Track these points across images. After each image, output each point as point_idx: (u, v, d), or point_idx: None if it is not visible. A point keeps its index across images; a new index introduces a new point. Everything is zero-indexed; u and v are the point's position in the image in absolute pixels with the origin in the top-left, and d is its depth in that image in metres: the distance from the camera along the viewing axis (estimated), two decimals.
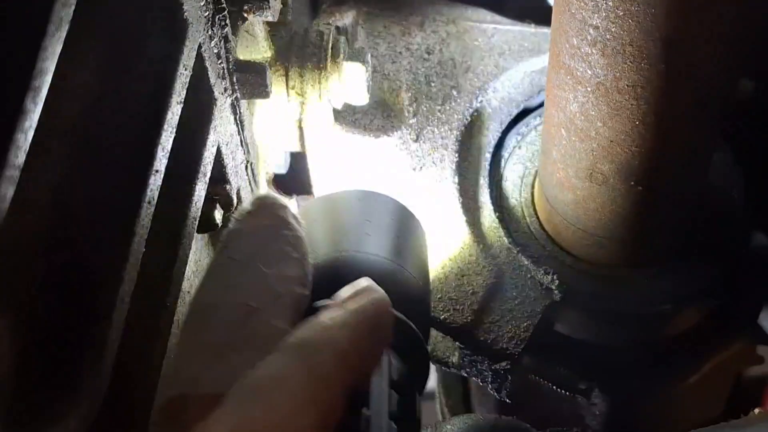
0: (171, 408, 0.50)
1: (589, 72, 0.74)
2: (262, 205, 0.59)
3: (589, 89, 0.76)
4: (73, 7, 0.47)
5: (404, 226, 0.67)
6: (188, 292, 0.67)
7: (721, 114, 0.80)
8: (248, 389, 0.46)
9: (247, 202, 0.65)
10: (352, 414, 0.49)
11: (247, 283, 0.54)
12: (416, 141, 1.06)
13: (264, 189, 0.92)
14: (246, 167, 0.84)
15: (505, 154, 1.05)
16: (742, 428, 0.62)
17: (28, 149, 0.43)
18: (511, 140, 1.05)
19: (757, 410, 0.71)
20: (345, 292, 0.54)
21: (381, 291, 0.54)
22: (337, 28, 0.95)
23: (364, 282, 0.54)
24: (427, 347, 0.62)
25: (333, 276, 0.58)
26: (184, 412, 0.48)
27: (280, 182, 1.03)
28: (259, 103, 0.91)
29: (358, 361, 0.50)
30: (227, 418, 0.44)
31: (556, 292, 0.92)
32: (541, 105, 1.06)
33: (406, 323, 0.58)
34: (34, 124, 0.43)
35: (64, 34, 0.46)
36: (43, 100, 0.44)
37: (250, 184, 0.86)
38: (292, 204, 0.72)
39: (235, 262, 0.55)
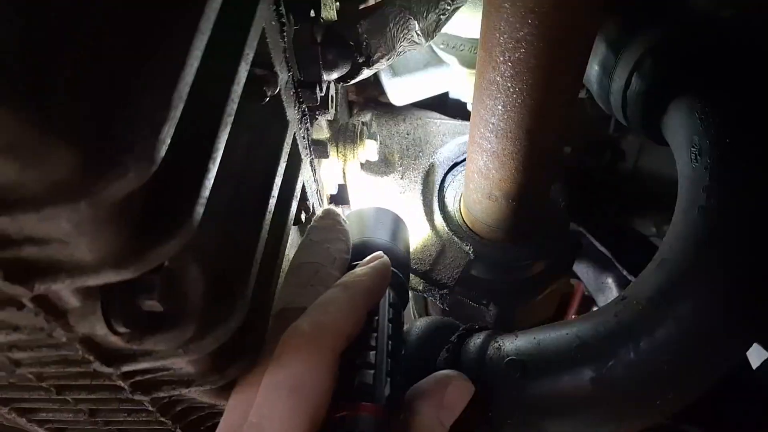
0: (278, 316, 0.53)
1: (489, 145, 0.77)
2: (327, 213, 0.62)
3: (488, 154, 0.78)
4: (233, 115, 0.48)
5: (397, 225, 0.69)
6: (287, 256, 0.66)
7: (557, 164, 0.82)
8: (318, 305, 0.49)
9: (319, 211, 0.66)
10: (369, 320, 0.51)
11: (318, 253, 0.57)
12: (401, 179, 1.08)
13: (326, 204, 0.90)
14: (317, 192, 0.84)
15: (446, 185, 1.08)
16: (567, 325, 0.63)
17: (210, 188, 0.44)
18: (448, 179, 1.08)
19: (573, 316, 0.73)
20: (367, 258, 0.57)
21: (386, 258, 0.56)
22: (363, 122, 0.98)
23: (378, 253, 0.57)
24: (408, 286, 0.64)
25: (361, 250, 0.61)
26: (285, 318, 0.51)
27: (333, 198, 1.05)
28: (323, 160, 0.92)
29: (374, 293, 0.52)
30: (308, 319, 0.47)
31: (471, 254, 0.97)
32: (464, 161, 1.07)
33: (397, 274, 0.60)
34: (213, 176, 0.44)
35: (229, 127, 0.47)
36: (218, 163, 0.45)
37: (319, 201, 0.86)
38: (340, 211, 0.77)
39: (313, 242, 0.58)
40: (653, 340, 0.55)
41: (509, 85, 0.64)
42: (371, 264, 0.55)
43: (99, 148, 0.32)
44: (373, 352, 0.49)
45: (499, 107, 0.68)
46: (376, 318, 0.53)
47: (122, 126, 0.33)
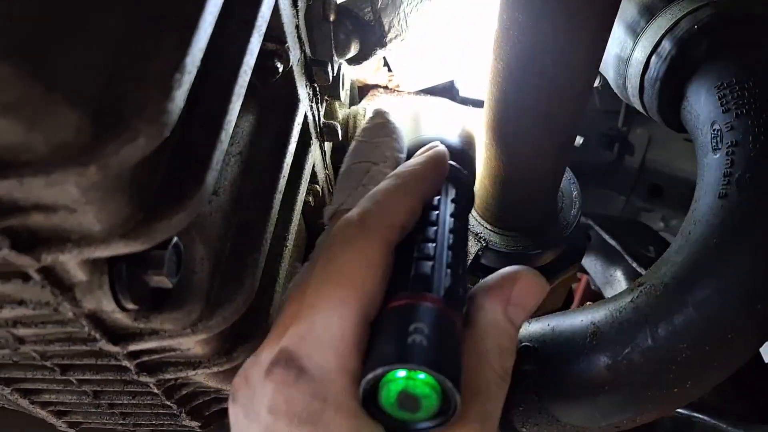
0: (331, 219, 0.49)
1: (501, 130, 0.73)
2: (377, 113, 0.58)
3: (501, 140, 0.75)
4: (245, 86, 0.46)
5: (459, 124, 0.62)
6: (295, 232, 0.66)
7: (569, 151, 0.79)
8: (368, 196, 0.45)
9: (369, 113, 0.61)
10: (428, 214, 0.47)
11: (368, 153, 0.53)
12: None
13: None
14: (327, 178, 0.85)
15: None
16: (581, 312, 0.62)
17: (221, 160, 0.43)
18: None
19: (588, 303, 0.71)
20: (421, 149, 0.52)
21: (442, 147, 0.51)
22: (373, 108, 0.97)
23: (433, 143, 0.52)
24: (473, 184, 0.57)
25: (416, 147, 0.54)
26: (338, 216, 0.47)
27: None
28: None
29: (428, 181, 0.48)
30: (357, 209, 0.43)
31: (483, 242, 0.94)
32: None
33: (459, 169, 0.53)
34: (225, 147, 0.43)
35: (241, 99, 0.45)
36: (230, 134, 0.44)
37: (329, 188, 0.87)
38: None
39: (363, 143, 0.55)
40: (672, 326, 0.54)
41: (527, 66, 0.63)
42: (424, 153, 0.51)
43: (108, 110, 0.31)
44: (432, 244, 0.44)
45: (514, 90, 0.67)
46: (437, 213, 0.48)
47: (133, 88, 0.32)
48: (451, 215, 0.48)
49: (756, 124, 0.59)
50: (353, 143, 0.56)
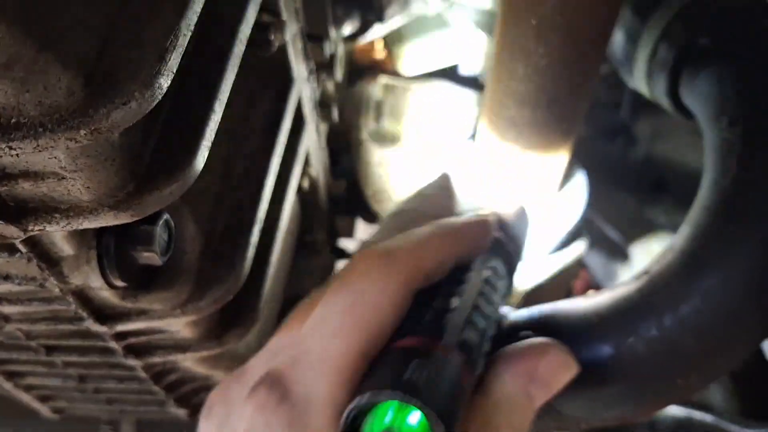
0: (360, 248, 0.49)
1: (507, 112, 0.74)
2: (444, 175, 0.58)
3: (505, 123, 0.77)
4: (240, 57, 0.46)
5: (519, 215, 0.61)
6: (288, 216, 0.67)
7: (575, 137, 0.82)
8: (402, 234, 0.44)
9: (438, 174, 0.60)
10: (459, 273, 0.46)
11: (423, 204, 0.53)
12: (409, 148, 1.01)
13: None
14: (321, 160, 0.83)
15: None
16: (583, 301, 0.60)
17: (215, 131, 0.42)
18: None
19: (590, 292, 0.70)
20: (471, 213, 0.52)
21: (492, 217, 0.51)
22: (370, 90, 0.97)
23: (487, 212, 0.52)
24: (516, 267, 0.56)
25: None
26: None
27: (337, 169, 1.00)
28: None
29: (467, 239, 0.47)
30: (384, 243, 0.42)
31: None
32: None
33: (505, 244, 0.53)
34: (218, 119, 0.43)
35: (236, 70, 0.45)
36: (223, 107, 0.43)
37: (324, 169, 0.86)
38: None
39: (420, 194, 0.55)
40: (678, 315, 0.54)
41: (532, 44, 0.63)
42: (474, 215, 0.50)
43: (99, 72, 0.30)
44: (456, 298, 0.43)
45: (520, 70, 0.67)
46: (469, 273, 0.47)
47: (127, 50, 0.32)
48: (485, 280, 0.47)
49: (766, 107, 0.59)
50: (413, 193, 0.56)
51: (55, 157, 0.32)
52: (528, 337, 0.61)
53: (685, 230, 0.59)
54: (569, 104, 0.69)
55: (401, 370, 0.35)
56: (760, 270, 0.54)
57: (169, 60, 0.32)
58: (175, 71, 0.33)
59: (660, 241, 1.36)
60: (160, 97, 0.32)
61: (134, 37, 0.32)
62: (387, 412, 0.35)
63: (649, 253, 1.31)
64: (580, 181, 0.99)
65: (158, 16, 0.33)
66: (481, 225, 0.49)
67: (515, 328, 0.60)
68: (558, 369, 0.45)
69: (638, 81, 0.79)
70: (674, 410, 0.88)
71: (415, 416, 0.35)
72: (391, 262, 0.41)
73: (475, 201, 0.61)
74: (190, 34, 0.35)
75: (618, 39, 0.79)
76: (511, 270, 0.54)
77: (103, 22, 0.32)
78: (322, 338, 0.38)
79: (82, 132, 0.30)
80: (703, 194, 0.60)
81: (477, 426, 0.39)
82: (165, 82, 0.32)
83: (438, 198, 0.54)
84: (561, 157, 0.80)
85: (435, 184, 0.56)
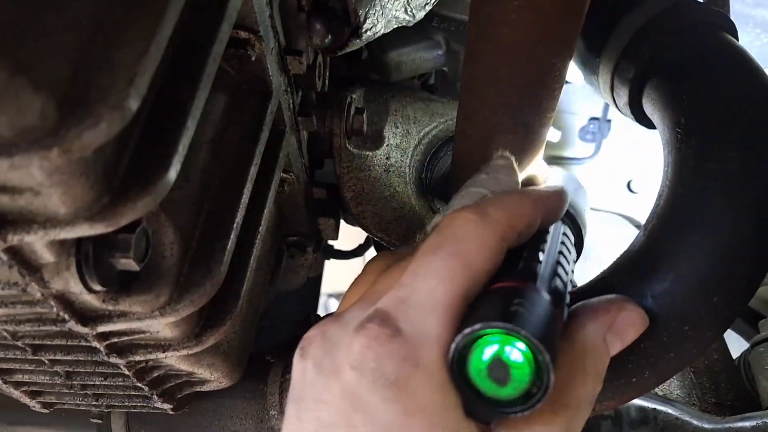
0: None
1: (477, 121, 0.77)
2: (502, 155, 0.59)
3: (477, 130, 0.78)
4: (213, 74, 0.46)
5: (578, 192, 0.67)
6: (268, 219, 0.67)
7: (544, 142, 0.86)
8: (491, 199, 0.46)
9: (497, 153, 0.61)
10: (540, 235, 0.48)
11: (489, 183, 0.53)
12: (389, 156, 1.03)
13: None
14: (303, 166, 0.86)
15: (435, 163, 1.07)
16: None
17: (188, 146, 0.43)
18: (437, 156, 1.07)
19: None
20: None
21: (566, 189, 0.52)
22: (351, 97, 0.98)
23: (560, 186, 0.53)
24: (583, 239, 0.61)
25: None
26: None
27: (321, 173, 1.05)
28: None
29: (550, 203, 0.49)
30: (479, 205, 0.43)
31: None
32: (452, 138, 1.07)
33: (575, 218, 0.59)
34: (191, 132, 0.43)
35: (209, 87, 0.46)
36: (197, 120, 0.44)
37: (305, 174, 0.88)
38: None
39: (483, 173, 0.55)
40: None
41: (498, 60, 0.64)
42: (551, 183, 0.55)
43: (71, 95, 0.31)
44: (542, 253, 0.45)
45: (486, 83, 0.68)
46: (549, 235, 0.49)
47: (98, 74, 0.33)
48: (561, 242, 0.50)
49: (720, 122, 0.61)
50: (475, 174, 0.56)
51: (31, 174, 0.33)
52: None
53: (640, 236, 0.61)
54: (534, 113, 0.70)
55: (506, 304, 0.36)
56: (708, 272, 0.55)
57: (139, 83, 0.33)
58: (145, 93, 0.34)
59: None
60: (129, 118, 0.33)
61: (105, 61, 0.33)
62: (491, 345, 0.36)
63: None
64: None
65: (129, 40, 0.34)
66: (560, 194, 0.50)
67: None
68: (632, 323, 0.47)
69: (603, 93, 0.80)
70: (638, 402, 0.90)
71: (517, 351, 0.35)
72: (487, 219, 0.41)
73: (531, 181, 0.64)
74: (160, 57, 0.36)
75: (582, 53, 0.80)
76: (579, 237, 0.58)
77: (76, 46, 0.33)
78: (429, 280, 0.38)
79: (54, 152, 0.31)
80: (658, 202, 0.62)
81: (565, 369, 0.40)
82: (134, 104, 0.33)
83: (501, 177, 0.55)
84: (530, 163, 0.81)
85: (496, 165, 0.57)
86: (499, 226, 0.42)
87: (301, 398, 0.40)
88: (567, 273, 0.47)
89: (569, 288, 0.47)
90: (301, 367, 0.40)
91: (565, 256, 0.49)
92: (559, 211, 0.51)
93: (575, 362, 0.42)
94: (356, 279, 0.50)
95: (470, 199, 0.51)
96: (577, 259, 0.57)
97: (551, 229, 0.51)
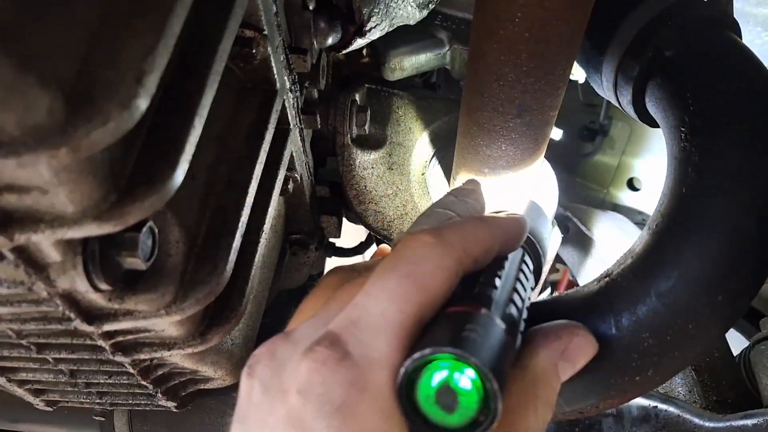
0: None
1: (480, 120, 0.75)
2: (471, 181, 0.59)
3: (479, 130, 0.76)
4: (220, 72, 0.46)
5: (540, 216, 0.65)
6: (272, 218, 0.67)
7: (546, 141, 0.82)
8: (450, 222, 0.46)
9: (464, 181, 0.62)
10: (498, 262, 0.48)
11: (454, 205, 0.54)
12: (391, 154, 1.04)
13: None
14: (306, 165, 0.85)
15: (436, 161, 1.07)
16: (548, 302, 0.61)
17: (195, 144, 0.43)
18: (439, 155, 1.08)
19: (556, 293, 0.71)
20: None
21: (525, 217, 0.52)
22: (354, 96, 0.98)
23: (518, 214, 0.53)
24: (541, 266, 0.59)
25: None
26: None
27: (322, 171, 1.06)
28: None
29: (509, 232, 0.48)
30: (437, 229, 0.42)
31: None
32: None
33: (536, 245, 0.57)
34: (199, 132, 0.43)
35: (216, 85, 0.46)
36: (204, 120, 0.44)
37: (308, 173, 0.87)
38: None
39: (451, 197, 0.55)
40: (635, 315, 0.55)
41: (502, 57, 0.64)
42: (511, 214, 0.52)
43: (79, 93, 0.31)
44: (498, 279, 0.44)
45: (492, 81, 0.68)
46: (507, 262, 0.49)
47: (106, 71, 0.32)
48: (520, 269, 0.50)
49: (724, 120, 0.60)
50: (443, 195, 0.57)
51: (39, 173, 0.33)
52: None
53: (644, 234, 0.60)
54: (538, 113, 0.69)
55: (458, 329, 0.36)
56: (713, 272, 0.55)
57: (147, 81, 0.33)
58: (154, 91, 0.34)
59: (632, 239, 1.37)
60: (138, 117, 0.33)
61: (113, 59, 0.33)
62: (440, 371, 0.35)
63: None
64: (551, 183, 1.00)
65: (137, 37, 0.34)
66: (519, 223, 0.50)
67: None
68: (583, 349, 0.48)
69: (607, 91, 0.80)
70: (639, 400, 0.90)
71: (466, 377, 0.35)
72: (444, 243, 0.41)
73: (497, 207, 0.62)
74: (169, 55, 0.35)
75: (587, 50, 0.80)
76: (538, 265, 0.56)
77: (83, 42, 0.32)
78: (382, 301, 0.38)
79: (63, 151, 0.31)
80: (662, 200, 0.61)
81: (516, 397, 0.40)
82: (143, 102, 0.33)
83: (468, 201, 0.55)
84: (533, 161, 0.81)
85: (464, 189, 0.57)
86: (455, 251, 0.41)
87: (245, 419, 0.39)
88: (523, 300, 0.47)
89: (525, 315, 0.47)
90: (248, 386, 0.40)
91: (522, 284, 0.48)
92: (517, 239, 0.50)
93: (527, 390, 0.42)
94: (311, 293, 0.48)
95: (435, 219, 0.51)
96: (535, 287, 0.56)
97: (510, 256, 0.50)
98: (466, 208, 0.53)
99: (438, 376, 0.35)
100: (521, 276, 0.49)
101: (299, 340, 0.38)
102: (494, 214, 0.50)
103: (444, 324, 0.38)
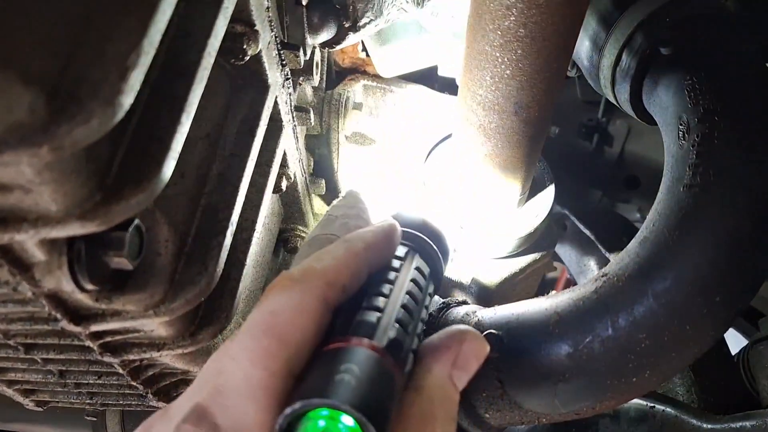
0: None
1: (475, 118, 0.74)
2: (349, 193, 0.58)
3: (474, 128, 0.75)
4: (209, 69, 0.46)
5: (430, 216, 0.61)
6: (266, 216, 0.67)
7: (542, 140, 0.81)
8: (314, 255, 0.44)
9: (344, 192, 0.61)
10: (384, 274, 0.46)
11: (335, 227, 0.53)
12: (387, 151, 1.03)
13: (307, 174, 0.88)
14: (300, 162, 0.84)
15: (432, 158, 1.01)
16: (546, 301, 0.62)
17: (183, 142, 0.42)
18: (435, 152, 1.01)
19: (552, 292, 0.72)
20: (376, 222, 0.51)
21: (393, 221, 0.51)
22: (349, 92, 0.97)
23: (387, 217, 0.52)
24: (441, 264, 0.55)
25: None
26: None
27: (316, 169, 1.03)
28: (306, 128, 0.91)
29: (377, 248, 0.47)
30: (299, 266, 0.42)
31: (460, 228, 0.91)
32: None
33: (429, 243, 0.53)
34: (186, 130, 0.43)
35: (204, 81, 0.45)
36: (192, 117, 0.43)
37: (302, 170, 0.86)
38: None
39: (331, 217, 0.55)
40: (632, 316, 0.55)
41: (498, 54, 0.63)
42: (377, 224, 0.50)
43: (61, 90, 0.30)
44: (383, 298, 0.43)
45: (487, 78, 0.67)
46: (396, 273, 0.47)
47: (89, 68, 0.32)
48: (412, 280, 0.48)
49: (721, 118, 0.60)
50: (324, 216, 0.55)
51: (21, 172, 0.32)
52: (492, 336, 0.62)
53: (642, 233, 0.60)
54: (534, 110, 0.69)
55: (330, 373, 0.35)
56: (711, 273, 0.55)
57: (131, 78, 0.33)
58: (138, 88, 0.33)
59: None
60: (122, 114, 0.32)
61: (97, 55, 0.32)
62: (320, 416, 0.34)
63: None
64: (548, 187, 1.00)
65: (121, 35, 0.33)
66: (386, 232, 0.48)
67: (485, 328, 0.62)
68: (474, 353, 0.46)
69: (604, 88, 0.80)
70: (637, 401, 0.89)
71: (348, 417, 0.34)
72: (305, 280, 0.40)
73: (385, 212, 0.58)
74: (154, 51, 0.35)
75: (584, 48, 0.79)
76: (436, 270, 0.54)
77: (66, 40, 0.32)
78: (244, 363, 0.37)
79: (44, 149, 0.30)
80: (660, 199, 0.61)
81: (415, 420, 0.39)
82: (127, 99, 0.32)
83: (349, 218, 0.54)
84: (528, 159, 0.80)
85: (344, 204, 0.56)
86: (315, 287, 0.40)
87: None
88: (413, 313, 0.46)
89: (419, 328, 0.46)
90: None
91: (413, 295, 0.47)
92: (389, 248, 0.49)
93: (425, 412, 0.41)
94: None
95: (317, 246, 0.50)
96: (437, 287, 0.55)
97: (397, 264, 0.49)
98: (347, 227, 0.53)
99: (321, 423, 0.34)
100: (412, 286, 0.47)
101: (173, 417, 0.38)
102: (359, 232, 0.48)
103: (317, 368, 0.37)
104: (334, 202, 0.59)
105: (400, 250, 0.50)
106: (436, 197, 0.92)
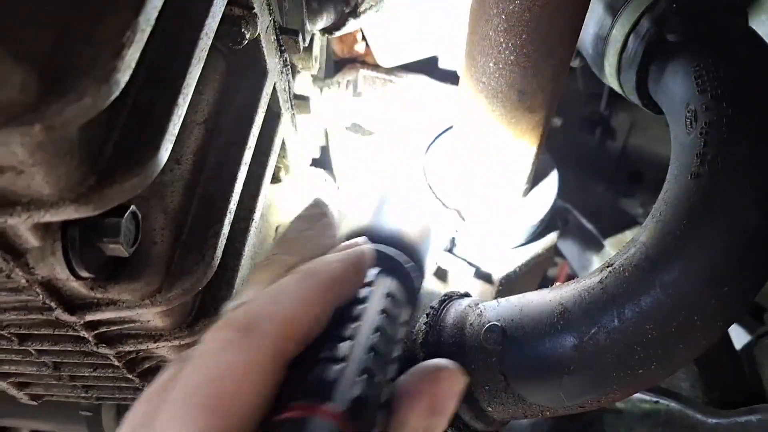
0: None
1: (478, 106, 0.73)
2: (315, 202, 0.49)
3: (477, 116, 0.75)
4: (206, 50, 0.45)
5: (409, 208, 0.54)
6: (264, 206, 0.66)
7: (546, 129, 0.80)
8: (266, 293, 0.38)
9: (309, 202, 0.51)
10: (350, 309, 0.40)
11: (295, 246, 0.45)
12: (387, 140, 1.02)
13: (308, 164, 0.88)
14: (298, 149, 0.82)
15: (434, 148, 1.00)
16: (550, 293, 0.61)
17: (179, 127, 0.41)
18: (437, 141, 0.99)
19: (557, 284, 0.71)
20: (343, 244, 0.46)
21: (365, 246, 0.45)
22: (348, 81, 0.97)
23: (356, 240, 0.46)
24: (417, 284, 0.49)
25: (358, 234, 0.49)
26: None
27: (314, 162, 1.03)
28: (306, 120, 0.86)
29: (343, 284, 0.41)
30: (246, 308, 0.36)
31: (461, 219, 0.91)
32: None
33: (399, 262, 0.47)
34: (183, 112, 0.42)
35: (202, 63, 0.44)
36: (189, 100, 0.43)
37: (302, 157, 0.85)
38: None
39: (294, 233, 0.47)
40: (638, 307, 0.54)
41: (502, 40, 0.62)
42: (344, 251, 0.43)
43: (54, 68, 0.30)
44: (347, 343, 0.37)
45: (490, 65, 0.66)
46: (363, 306, 0.41)
47: (81, 46, 0.31)
48: (382, 311, 0.41)
49: (730, 105, 0.59)
50: (284, 231, 0.48)
51: (13, 152, 0.32)
52: (496, 328, 0.61)
53: (648, 224, 0.59)
54: (539, 98, 0.68)
55: None
56: (719, 264, 0.54)
57: (126, 56, 0.32)
58: (133, 67, 0.33)
59: (634, 232, 1.37)
60: (116, 93, 0.32)
61: (90, 33, 0.32)
62: None
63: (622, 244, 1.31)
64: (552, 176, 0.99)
65: (115, 12, 0.33)
66: (355, 262, 0.42)
67: (487, 320, 0.61)
68: (451, 392, 0.41)
69: (609, 77, 0.79)
70: (641, 396, 0.89)
71: None
72: (255, 332, 0.34)
73: (355, 221, 0.52)
74: (149, 29, 0.34)
75: (589, 35, 0.79)
76: (412, 289, 0.47)
77: (59, 17, 0.31)
78: None
79: (36, 128, 0.29)
80: (667, 188, 0.60)
81: None
82: (122, 77, 0.32)
83: (313, 234, 0.47)
84: (532, 149, 0.80)
85: (307, 217, 0.49)
86: (270, 344, 0.34)
87: None
88: (384, 357, 0.39)
89: (391, 373, 0.40)
90: None
91: (384, 332, 0.40)
92: (357, 279, 0.42)
93: None
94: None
95: (275, 269, 0.43)
96: (414, 311, 0.48)
97: (365, 292, 0.42)
98: (310, 247, 0.46)
99: None
100: (382, 320, 0.41)
101: None
102: (324, 264, 0.41)
103: None
104: (299, 212, 0.51)
105: (369, 274, 0.43)
106: (437, 189, 0.92)
